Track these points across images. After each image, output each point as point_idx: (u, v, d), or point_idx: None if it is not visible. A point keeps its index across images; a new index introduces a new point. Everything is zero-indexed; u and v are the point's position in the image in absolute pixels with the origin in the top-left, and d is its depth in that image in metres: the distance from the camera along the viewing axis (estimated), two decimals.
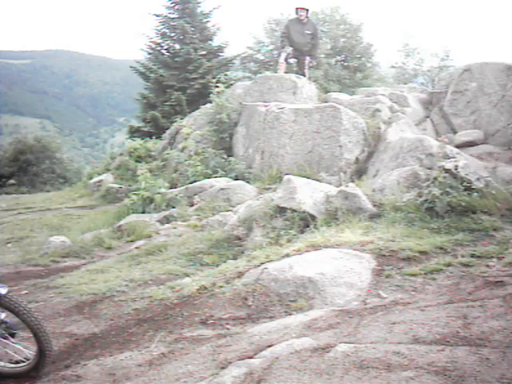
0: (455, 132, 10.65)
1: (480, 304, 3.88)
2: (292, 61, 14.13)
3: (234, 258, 6.38)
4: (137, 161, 14.06)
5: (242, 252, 6.59)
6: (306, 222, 6.70)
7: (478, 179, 6.50)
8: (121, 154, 15.42)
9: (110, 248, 8.17)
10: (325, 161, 9.69)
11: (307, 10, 13.81)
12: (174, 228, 8.37)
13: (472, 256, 5.12)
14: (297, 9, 13.74)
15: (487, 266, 4.87)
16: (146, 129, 22.14)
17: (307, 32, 13.76)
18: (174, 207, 9.47)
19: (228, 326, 4.43)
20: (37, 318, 3.95)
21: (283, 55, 13.81)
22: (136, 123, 24.46)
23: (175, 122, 15.08)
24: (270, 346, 3.64)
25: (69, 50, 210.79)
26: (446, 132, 10.75)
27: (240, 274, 5.38)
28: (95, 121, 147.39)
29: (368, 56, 29.25)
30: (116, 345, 4.41)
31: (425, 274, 4.88)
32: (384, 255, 5.34)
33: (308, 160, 9.83)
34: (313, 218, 6.71)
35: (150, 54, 25.07)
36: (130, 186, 12.30)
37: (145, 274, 6.23)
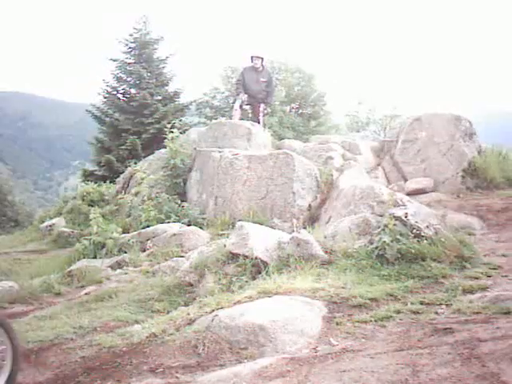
0: (406, 180, 10.87)
1: (429, 351, 3.91)
2: (247, 107, 14.30)
3: (186, 305, 6.30)
4: (90, 205, 13.91)
5: (194, 299, 6.51)
6: (259, 268, 6.68)
7: (427, 227, 6.61)
8: (74, 198, 15.25)
9: (59, 294, 7.98)
10: (278, 207, 9.75)
11: (262, 58, 14.08)
12: (126, 274, 8.26)
13: (421, 303, 5.17)
14: (252, 57, 13.98)
15: (436, 313, 4.92)
16: (100, 173, 22.04)
17: (262, 80, 14.00)
18: (126, 252, 9.36)
19: (177, 375, 4.35)
20: None
21: (238, 102, 14.00)
22: (90, 167, 24.32)
23: (130, 166, 15.03)
24: None
25: (23, 92, 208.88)
26: (397, 180, 10.97)
27: (191, 321, 5.32)
28: (49, 164, 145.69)
29: (321, 104, 29.82)
30: None
31: (375, 321, 4.90)
32: (335, 302, 5.35)
33: (261, 206, 9.88)
34: (265, 264, 6.70)
35: (105, 97, 25.11)
36: (82, 230, 12.15)
37: (94, 321, 6.10)
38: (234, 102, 15.47)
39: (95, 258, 9.46)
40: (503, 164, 10.87)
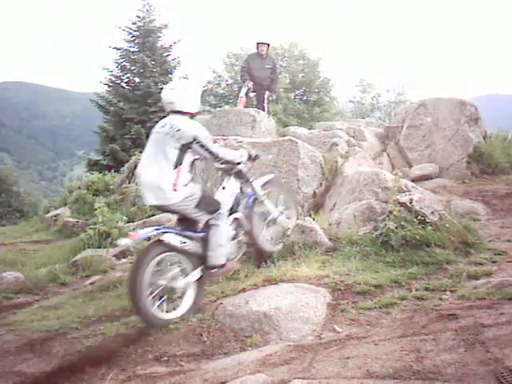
0: (411, 166, 10.84)
1: (433, 337, 3.90)
2: (252, 95, 14.26)
3: None
4: (95, 194, 13.90)
5: None
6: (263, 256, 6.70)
7: (432, 213, 6.59)
8: (78, 188, 15.23)
9: (64, 284, 8.01)
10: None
11: (268, 44, 14.03)
12: (131, 263, 8.27)
13: (426, 289, 5.18)
14: (258, 43, 13.93)
15: (440, 299, 4.92)
16: (104, 162, 22.03)
17: (267, 67, 13.95)
18: None
19: (182, 363, 4.37)
20: None
21: (244, 89, 13.94)
22: (95, 156, 24.30)
23: (134, 155, 15.01)
24: (224, 383, 3.60)
25: (27, 82, 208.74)
26: (402, 166, 10.93)
27: (195, 310, 5.34)
28: (54, 154, 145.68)
29: (326, 90, 29.73)
30: None
31: (379, 307, 4.91)
32: (339, 289, 5.37)
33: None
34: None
35: (109, 87, 25.09)
36: (87, 220, 12.13)
37: (99, 310, 6.11)
38: (239, 90, 15.41)
39: (100, 247, 9.45)
40: (508, 149, 10.83)
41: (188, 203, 5.41)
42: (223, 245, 5.57)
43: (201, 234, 5.56)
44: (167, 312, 5.18)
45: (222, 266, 5.61)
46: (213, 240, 5.50)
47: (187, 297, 5.36)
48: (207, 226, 5.60)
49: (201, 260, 5.49)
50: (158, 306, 5.09)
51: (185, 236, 5.38)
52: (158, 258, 5.11)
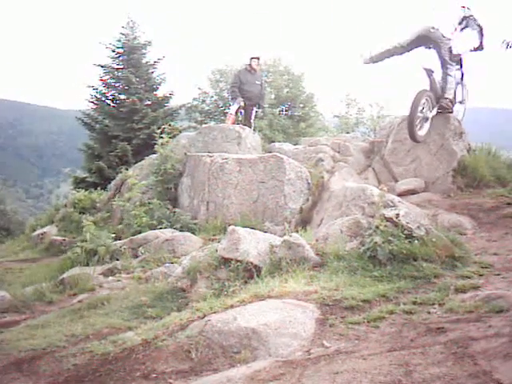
0: (396, 180, 10.87)
1: (422, 351, 3.92)
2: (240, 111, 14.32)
3: (178, 310, 6.28)
4: (81, 212, 13.85)
5: (187, 304, 6.51)
6: (251, 272, 6.69)
7: (418, 227, 6.62)
8: (65, 206, 15.19)
9: (51, 302, 7.94)
10: (269, 210, 9.77)
11: (259, 58, 14.17)
12: (118, 280, 8.24)
13: (414, 303, 5.19)
14: (251, 58, 14.01)
15: (428, 312, 4.94)
16: (91, 179, 21.96)
17: (257, 82, 14.10)
18: (118, 259, 9.33)
19: (170, 381, 4.35)
20: None
21: (235, 106, 13.98)
22: (81, 174, 24.24)
23: (121, 172, 14.99)
24: None
25: (13, 99, 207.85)
26: (388, 180, 10.97)
27: (183, 327, 5.31)
28: (40, 171, 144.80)
29: (311, 106, 29.89)
30: None
31: (368, 322, 4.90)
32: (328, 304, 5.36)
33: (253, 210, 9.90)
34: (257, 268, 6.71)
35: (95, 104, 25.08)
36: (74, 238, 12.10)
37: (86, 329, 6.08)
38: (224, 106, 15.48)
39: (87, 265, 9.41)
40: (493, 162, 10.90)
41: None
42: None
43: None
44: None
45: None
46: None
47: None
48: None
49: None
50: None
51: None
52: None
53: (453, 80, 10.82)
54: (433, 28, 10.41)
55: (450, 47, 10.59)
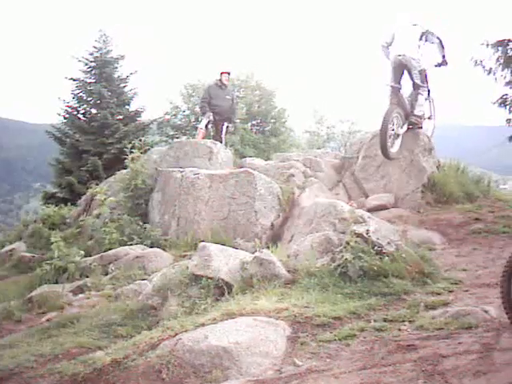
0: (367, 196, 10.93)
1: (392, 369, 3.93)
2: (209, 126, 14.33)
3: (149, 329, 6.21)
4: (51, 228, 13.64)
5: (157, 322, 6.44)
6: (222, 289, 6.66)
7: (388, 243, 6.67)
8: (34, 222, 14.97)
9: (19, 321, 7.81)
10: (240, 226, 9.74)
11: (229, 73, 14.22)
12: (88, 298, 8.14)
13: (384, 320, 5.21)
14: (221, 73, 14.06)
15: (399, 329, 4.96)
16: (61, 195, 21.70)
17: (227, 97, 14.11)
18: (88, 277, 9.22)
19: None
20: None
21: (204, 121, 14.00)
22: (51, 189, 23.95)
23: (91, 187, 14.85)
24: None
25: None
26: (359, 196, 11.03)
27: (154, 346, 5.25)
28: (9, 186, 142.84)
29: (282, 121, 30.03)
30: None
31: (339, 340, 4.91)
32: (299, 322, 5.35)
33: (224, 226, 9.87)
34: (228, 285, 6.67)
35: (66, 118, 24.87)
36: (43, 254, 11.91)
37: (55, 348, 5.98)
38: (197, 121, 15.49)
39: (57, 283, 9.28)
40: (461, 178, 11.03)
41: None
42: None
43: None
44: None
45: None
46: None
47: None
48: None
49: None
50: None
51: None
52: None
53: (423, 98, 11.04)
54: (399, 55, 10.68)
55: (421, 70, 10.82)
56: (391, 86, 10.75)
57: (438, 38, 11.06)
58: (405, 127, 10.87)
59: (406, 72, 10.92)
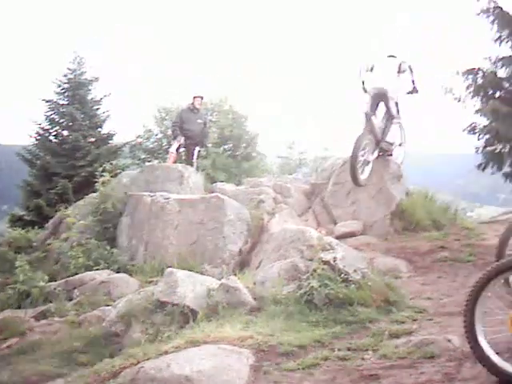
0: (336, 223, 10.96)
1: None
2: (181, 150, 14.35)
3: (111, 357, 6.13)
4: (16, 252, 13.45)
5: (120, 350, 6.38)
6: (187, 316, 6.61)
7: (355, 271, 6.69)
8: (0, 245, 14.78)
9: None
10: (209, 252, 9.71)
11: (202, 97, 14.32)
12: (50, 324, 8.02)
13: (348, 349, 5.20)
14: (194, 97, 14.15)
15: (363, 358, 4.95)
16: (28, 217, 21.43)
17: (199, 121, 14.20)
18: (52, 302, 9.10)
19: None
20: None
21: (175, 145, 14.06)
22: (19, 211, 23.64)
23: (60, 210, 14.71)
24: None
25: None
26: (328, 223, 11.07)
27: (116, 374, 5.17)
28: None
29: (254, 146, 30.12)
30: None
31: (303, 368, 4.87)
32: (263, 350, 5.31)
33: (192, 251, 9.82)
34: (194, 312, 6.63)
35: (37, 140, 24.68)
36: (7, 278, 11.72)
37: (14, 376, 5.88)
38: (169, 145, 15.49)
39: (20, 308, 9.15)
40: (429, 206, 11.12)
41: None
42: None
43: None
44: None
45: None
46: None
47: None
48: None
49: None
50: None
51: None
52: None
53: (395, 127, 11.26)
54: (378, 88, 10.91)
55: (396, 102, 11.08)
56: (365, 114, 10.88)
57: (409, 66, 11.32)
58: (375, 154, 10.99)
59: (382, 103, 11.11)
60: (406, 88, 11.58)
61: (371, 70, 11.25)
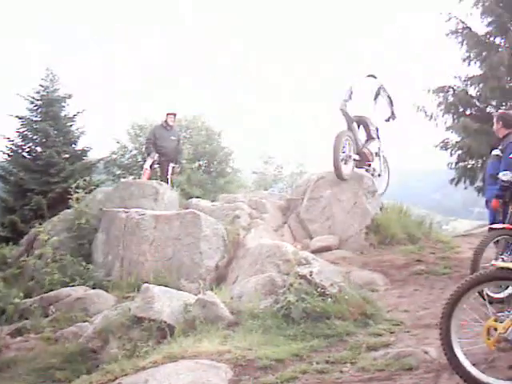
0: (312, 237, 10.99)
1: None
2: (156, 166, 14.35)
3: (88, 373, 6.09)
4: None
5: (97, 366, 6.33)
6: (164, 332, 6.58)
7: (331, 285, 6.74)
8: None
9: None
10: (185, 268, 9.67)
11: (175, 114, 14.35)
12: (26, 341, 7.92)
13: (327, 362, 5.23)
14: (167, 114, 14.18)
15: (341, 371, 4.98)
16: (3, 234, 21.19)
17: (173, 138, 14.22)
18: (27, 318, 8.97)
19: None
20: None
21: (149, 162, 14.05)
22: None
23: (34, 226, 14.56)
24: None
25: None
26: (303, 237, 11.10)
27: None
28: None
29: (229, 161, 30.16)
30: None
31: (281, 382, 4.89)
32: (241, 365, 5.32)
33: (168, 267, 9.76)
34: (171, 327, 6.61)
35: (9, 156, 24.44)
36: None
37: None
38: (143, 161, 15.46)
39: None
40: (404, 220, 11.26)
41: None
42: None
43: None
44: None
45: None
46: None
47: None
48: None
49: None
50: None
51: None
52: None
53: (375, 144, 11.53)
54: (356, 116, 11.19)
55: (377, 127, 11.64)
56: (341, 109, 11.14)
57: (388, 96, 11.55)
58: (356, 156, 11.17)
59: (362, 127, 11.42)
60: (384, 113, 11.81)
61: (350, 97, 11.42)
